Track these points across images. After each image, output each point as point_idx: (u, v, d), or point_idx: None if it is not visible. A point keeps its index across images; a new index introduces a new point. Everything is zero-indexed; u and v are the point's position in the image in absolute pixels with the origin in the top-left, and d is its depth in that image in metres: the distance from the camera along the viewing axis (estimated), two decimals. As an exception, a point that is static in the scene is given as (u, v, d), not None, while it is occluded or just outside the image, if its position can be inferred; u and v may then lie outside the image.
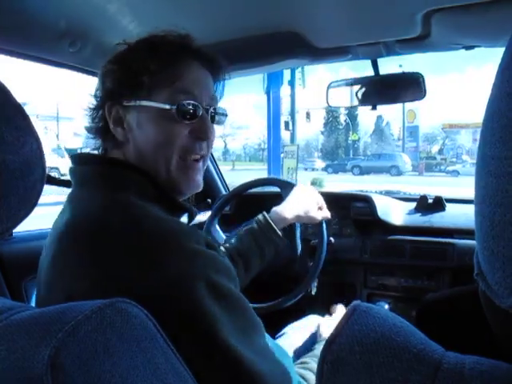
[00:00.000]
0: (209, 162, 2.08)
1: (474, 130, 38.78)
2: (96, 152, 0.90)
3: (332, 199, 1.99)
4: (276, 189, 1.87)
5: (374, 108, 1.46)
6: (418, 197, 1.98)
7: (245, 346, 0.68)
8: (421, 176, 27.80)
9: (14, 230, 0.78)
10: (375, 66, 1.41)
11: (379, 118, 45.54)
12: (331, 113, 51.19)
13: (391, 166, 29.35)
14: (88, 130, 0.90)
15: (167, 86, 0.85)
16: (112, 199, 0.76)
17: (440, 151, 42.82)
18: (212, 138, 0.91)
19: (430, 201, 1.93)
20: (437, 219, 1.84)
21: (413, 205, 1.97)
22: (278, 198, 2.05)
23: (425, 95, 1.41)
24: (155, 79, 0.84)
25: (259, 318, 0.77)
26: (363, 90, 1.47)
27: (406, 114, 36.12)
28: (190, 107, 0.86)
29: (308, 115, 21.47)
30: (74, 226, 0.75)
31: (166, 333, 0.59)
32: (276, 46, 1.27)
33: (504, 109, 0.32)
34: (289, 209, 1.37)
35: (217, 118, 0.93)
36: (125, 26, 1.14)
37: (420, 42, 1.24)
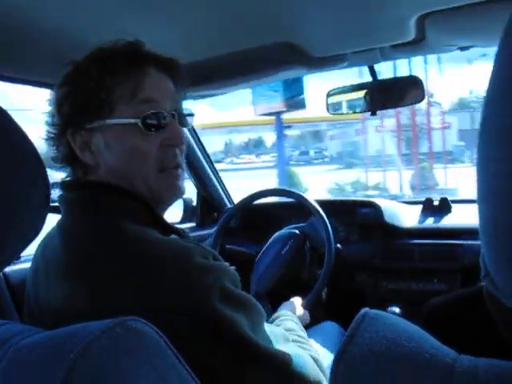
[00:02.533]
0: (211, 174, 2.11)
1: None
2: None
3: (337, 206, 2.00)
4: (281, 199, 1.88)
5: (374, 114, 1.46)
6: (423, 199, 1.98)
7: (259, 336, 0.74)
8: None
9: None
10: (372, 71, 1.42)
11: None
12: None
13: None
14: (54, 160, 0.86)
15: (128, 99, 0.81)
16: (107, 224, 0.76)
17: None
18: (184, 142, 0.89)
19: (436, 203, 1.93)
20: (443, 221, 1.84)
21: (419, 208, 1.97)
22: (283, 209, 2.07)
23: (424, 97, 1.41)
24: (114, 95, 0.81)
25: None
26: (362, 96, 1.48)
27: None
28: (157, 117, 0.83)
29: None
30: (72, 254, 0.74)
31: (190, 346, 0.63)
32: (272, 57, 1.27)
33: (499, 111, 0.32)
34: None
35: (184, 120, 0.91)
36: None
37: (415, 46, 1.25)
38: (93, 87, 0.80)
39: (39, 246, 0.87)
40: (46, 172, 0.66)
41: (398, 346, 0.40)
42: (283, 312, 1.17)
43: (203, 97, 1.51)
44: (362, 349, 0.41)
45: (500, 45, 0.35)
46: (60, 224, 0.82)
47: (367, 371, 0.40)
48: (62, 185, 0.85)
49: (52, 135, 0.84)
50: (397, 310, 1.71)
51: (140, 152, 0.82)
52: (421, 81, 1.41)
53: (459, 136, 32.25)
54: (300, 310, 1.37)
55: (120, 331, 0.54)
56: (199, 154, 2.05)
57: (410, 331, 0.42)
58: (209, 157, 2.11)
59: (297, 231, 1.69)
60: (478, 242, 0.35)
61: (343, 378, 0.41)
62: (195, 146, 2.01)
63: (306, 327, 1.46)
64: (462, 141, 31.62)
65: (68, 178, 0.88)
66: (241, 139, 48.46)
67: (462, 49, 1.28)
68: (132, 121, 0.81)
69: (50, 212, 0.78)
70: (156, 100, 0.83)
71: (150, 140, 0.82)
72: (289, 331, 0.97)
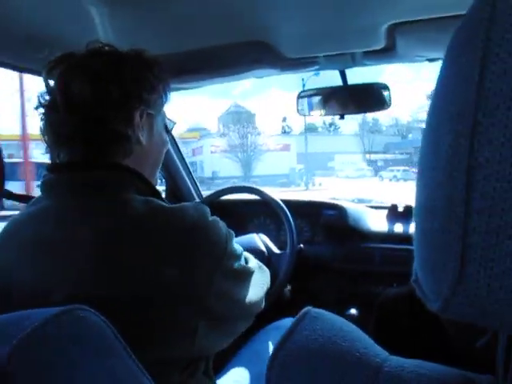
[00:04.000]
0: (181, 167, 2.11)
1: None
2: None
3: (303, 207, 2.02)
4: (248, 196, 1.89)
5: (342, 117, 1.48)
6: (389, 205, 2.01)
7: None
8: None
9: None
10: (343, 76, 1.44)
11: None
12: None
13: None
14: (118, 132, 0.84)
15: (166, 101, 0.96)
16: (144, 201, 0.80)
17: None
18: None
19: (401, 209, 1.97)
20: (406, 227, 1.87)
21: (384, 213, 2.00)
22: (250, 206, 2.08)
23: (390, 105, 1.44)
24: (165, 95, 0.95)
25: None
26: (332, 99, 1.49)
27: None
28: (173, 123, 1.04)
29: None
30: (127, 229, 0.76)
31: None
32: (244, 56, 1.28)
33: (434, 123, 0.34)
34: None
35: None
36: (91, 34, 1.14)
37: (385, 54, 1.27)
38: (165, 78, 0.93)
39: (16, 229, 0.84)
40: (1, 158, 0.66)
41: (332, 344, 0.41)
42: None
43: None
44: (299, 345, 0.42)
45: (443, 60, 0.36)
46: (73, 204, 0.80)
47: (301, 368, 0.41)
48: (77, 165, 0.84)
49: (114, 107, 0.84)
50: (355, 311, 1.74)
51: (166, 145, 1.01)
52: (389, 88, 1.43)
53: (298, 159, 31.00)
54: None
55: (67, 319, 0.54)
56: (170, 147, 2.04)
57: (346, 330, 0.43)
58: (180, 151, 2.10)
59: (265, 252, 1.65)
60: None
61: (278, 373, 0.42)
62: None
63: (266, 324, 1.48)
64: (300, 163, 29.89)
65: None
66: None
67: (431, 60, 1.31)
68: (170, 120, 1.01)
69: (6, 198, 0.77)
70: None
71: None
72: None
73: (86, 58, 0.85)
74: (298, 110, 1.56)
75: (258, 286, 0.98)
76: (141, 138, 0.87)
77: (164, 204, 0.80)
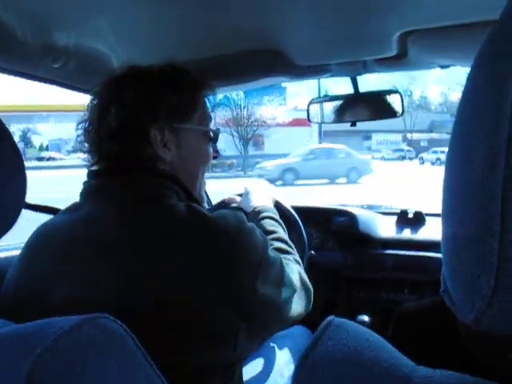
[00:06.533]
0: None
1: None
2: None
3: (313, 213, 2.02)
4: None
5: (354, 125, 1.48)
6: (399, 211, 2.00)
7: None
8: None
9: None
10: (355, 83, 1.44)
11: None
12: None
13: None
14: (124, 152, 0.88)
15: (201, 110, 0.97)
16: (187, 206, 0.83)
17: None
18: None
19: (411, 215, 1.96)
20: (417, 233, 1.87)
21: (393, 219, 1.99)
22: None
23: (403, 112, 1.44)
24: (196, 104, 0.96)
25: None
26: (343, 106, 1.49)
27: None
28: (217, 132, 1.03)
29: None
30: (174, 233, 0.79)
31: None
32: (256, 63, 1.28)
33: (463, 132, 0.33)
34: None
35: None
36: (107, 43, 1.15)
37: (397, 61, 1.27)
38: (188, 93, 0.94)
39: (45, 233, 0.85)
40: (23, 166, 0.66)
41: (359, 354, 0.41)
42: (260, 208, 1.24)
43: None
44: (324, 356, 0.42)
45: (472, 67, 0.36)
46: (114, 208, 0.83)
47: (326, 378, 0.41)
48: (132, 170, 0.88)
49: (133, 129, 0.88)
50: (366, 318, 1.73)
51: (207, 156, 1.01)
52: (401, 94, 1.43)
53: (324, 136, 25.86)
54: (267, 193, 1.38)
55: (89, 328, 0.54)
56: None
57: (371, 340, 0.43)
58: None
59: None
60: None
61: (305, 383, 0.41)
62: None
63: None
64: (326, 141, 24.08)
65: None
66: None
67: (443, 67, 1.31)
68: (208, 130, 0.99)
69: (25, 208, 0.77)
70: (211, 117, 1.01)
71: (211, 149, 1.02)
72: (270, 234, 1.10)
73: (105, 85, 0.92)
74: (308, 117, 1.55)
75: (298, 299, 1.02)
76: (164, 155, 0.90)
77: (205, 211, 0.83)
